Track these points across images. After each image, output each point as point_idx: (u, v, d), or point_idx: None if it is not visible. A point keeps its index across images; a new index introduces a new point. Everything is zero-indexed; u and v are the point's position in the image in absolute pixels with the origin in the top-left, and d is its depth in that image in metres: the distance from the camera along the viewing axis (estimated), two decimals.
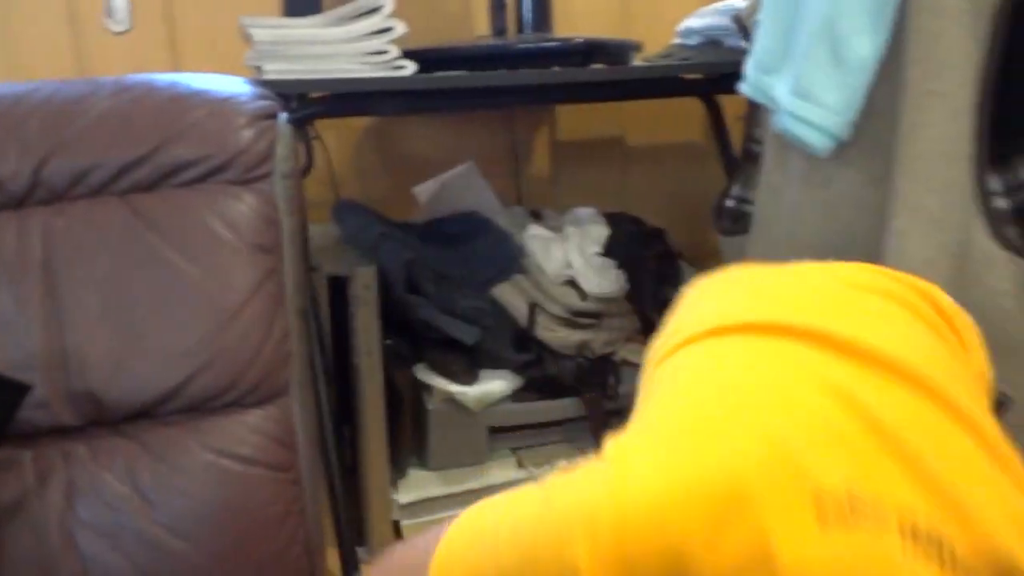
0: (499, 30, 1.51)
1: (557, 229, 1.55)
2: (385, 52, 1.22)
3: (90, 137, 0.81)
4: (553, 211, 1.63)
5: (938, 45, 0.86)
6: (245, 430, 0.78)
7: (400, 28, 1.23)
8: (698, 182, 1.76)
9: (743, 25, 1.17)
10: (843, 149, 0.95)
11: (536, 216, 1.61)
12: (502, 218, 1.57)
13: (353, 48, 1.21)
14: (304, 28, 1.22)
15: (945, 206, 0.88)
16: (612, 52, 1.34)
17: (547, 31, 1.46)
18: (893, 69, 0.90)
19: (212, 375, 0.78)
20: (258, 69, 1.20)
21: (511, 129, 1.70)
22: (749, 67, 1.06)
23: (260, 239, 0.81)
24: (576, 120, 1.72)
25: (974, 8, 0.85)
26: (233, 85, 0.87)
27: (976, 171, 0.88)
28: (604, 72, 1.29)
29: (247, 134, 0.82)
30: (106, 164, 0.81)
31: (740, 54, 1.25)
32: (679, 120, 1.74)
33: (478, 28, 1.63)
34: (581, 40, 1.29)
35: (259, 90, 0.86)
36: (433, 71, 1.26)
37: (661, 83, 1.40)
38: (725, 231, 1.27)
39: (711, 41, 1.40)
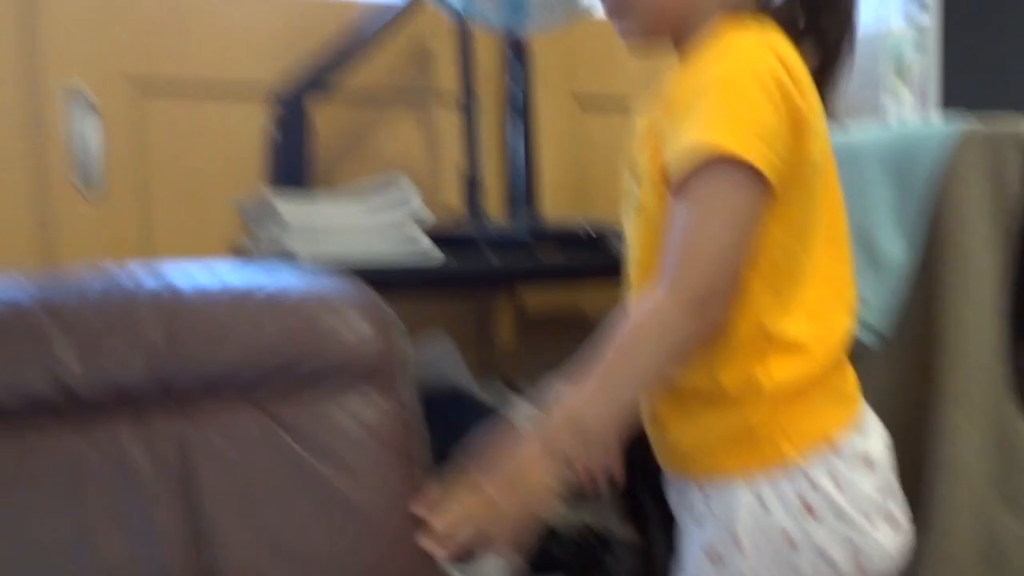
0: (474, 206, 1.57)
1: (536, 402, 1.57)
2: (405, 225, 1.24)
3: (221, 346, 0.78)
4: (527, 383, 1.66)
5: (971, 258, 1.00)
6: None
7: (416, 203, 1.26)
8: None
9: None
10: (882, 344, 1.07)
11: (515, 389, 1.63)
12: (479, 391, 1.58)
13: (376, 226, 1.23)
14: (328, 205, 1.23)
15: (986, 393, 1.00)
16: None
17: (535, 211, 1.53)
18: (929, 273, 1.04)
19: None
20: (286, 248, 1.18)
21: (476, 300, 1.74)
22: None
23: (397, 442, 0.80)
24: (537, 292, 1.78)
25: (998, 228, 1.00)
26: (341, 284, 0.87)
27: (1009, 357, 1.01)
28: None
29: (376, 340, 0.81)
30: (238, 372, 0.78)
31: None
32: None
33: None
34: (592, 228, 1.37)
35: (372, 293, 0.86)
36: (456, 254, 1.29)
37: None
38: None
39: None
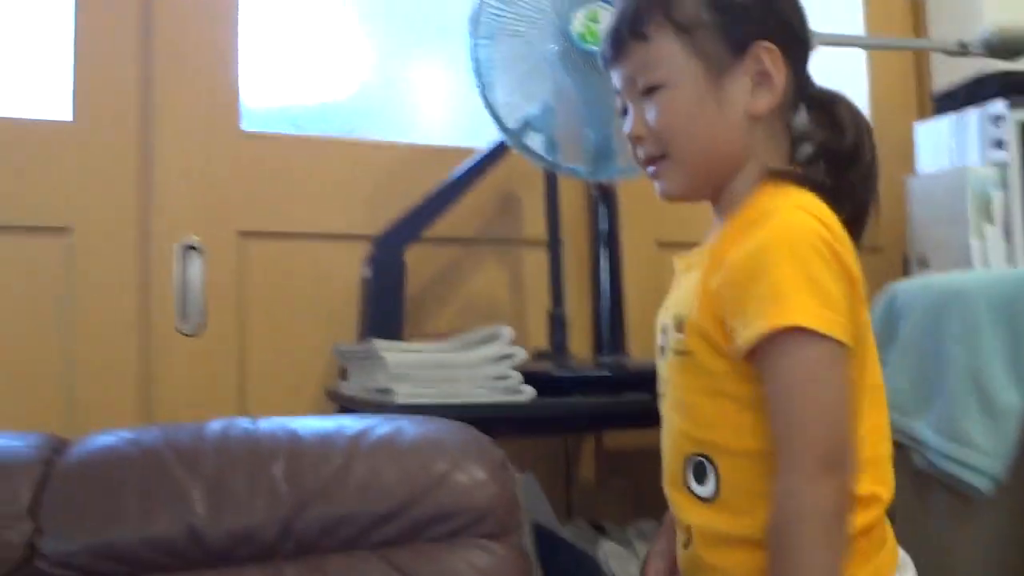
0: (557, 346, 1.59)
1: (626, 543, 1.54)
2: (507, 377, 1.26)
3: (339, 489, 0.79)
4: (611, 524, 1.63)
5: None
6: None
7: (521, 354, 1.28)
8: None
9: None
10: (996, 489, 1.03)
11: (600, 530, 1.60)
12: (566, 532, 1.55)
13: (477, 373, 1.25)
14: (432, 353, 1.25)
15: None
16: None
17: (624, 352, 1.54)
18: None
19: None
20: (387, 392, 1.21)
21: (562, 437, 1.74)
22: None
23: None
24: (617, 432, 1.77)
25: None
26: (454, 428, 0.88)
27: None
28: None
29: (493, 488, 0.82)
30: (357, 518, 0.79)
31: None
32: None
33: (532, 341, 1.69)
34: None
35: (484, 437, 0.87)
36: (545, 395, 1.30)
37: None
38: None
39: None
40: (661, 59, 0.84)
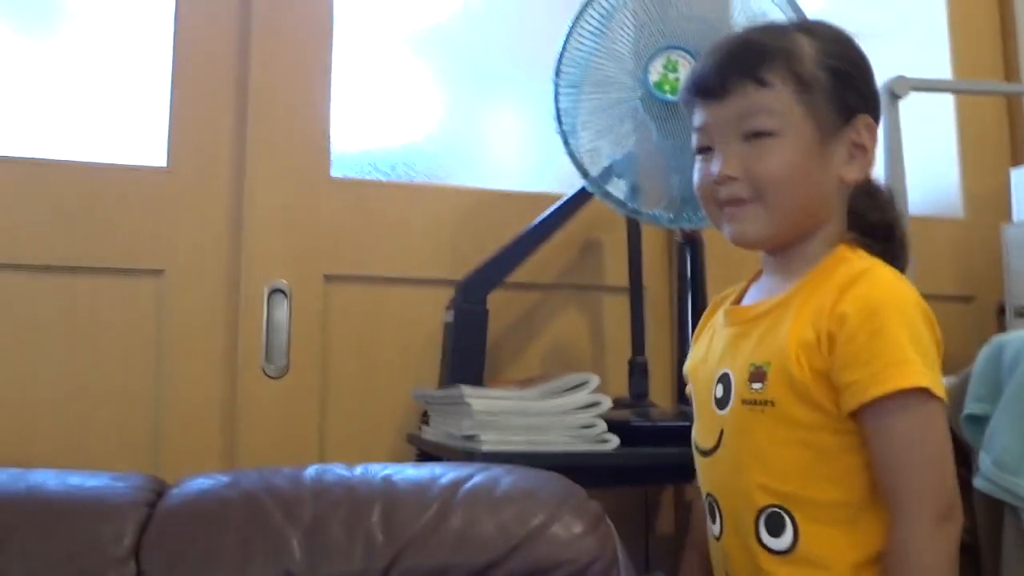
0: (638, 394, 1.56)
1: None
2: (593, 426, 1.24)
3: (435, 538, 0.78)
4: None
5: None
6: None
7: (607, 403, 1.26)
8: None
9: None
10: None
11: None
12: None
13: (564, 421, 1.23)
14: (518, 400, 1.24)
15: None
16: None
17: None
18: None
19: None
20: (472, 438, 1.20)
21: (641, 489, 1.70)
22: (985, 464, 1.10)
23: None
24: None
25: None
26: (548, 479, 0.87)
27: None
28: None
29: (591, 541, 0.80)
30: (453, 569, 0.78)
31: None
32: None
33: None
34: None
35: (580, 489, 0.85)
36: (627, 444, 1.28)
37: None
38: None
39: None
40: (779, 108, 0.85)
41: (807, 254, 0.88)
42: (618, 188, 1.42)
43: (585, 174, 1.39)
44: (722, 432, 0.88)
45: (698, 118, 0.89)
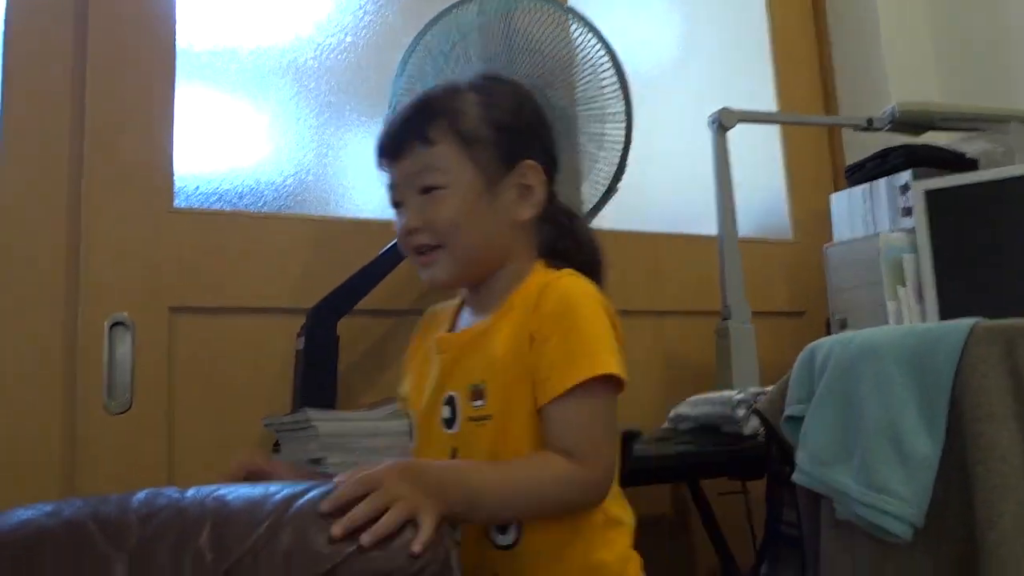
0: None
1: None
2: None
3: (270, 552, 0.79)
4: None
5: (995, 446, 1.02)
6: None
7: None
8: (675, 553, 1.83)
9: (765, 419, 1.32)
10: (915, 536, 1.06)
11: None
12: None
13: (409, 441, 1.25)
14: (364, 422, 1.25)
15: None
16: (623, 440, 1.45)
17: None
18: (955, 464, 1.05)
19: None
20: (319, 461, 1.20)
21: None
22: (803, 460, 1.19)
23: None
24: None
25: (1019, 409, 1.02)
26: None
27: None
28: (644, 460, 1.38)
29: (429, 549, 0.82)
30: None
31: (739, 440, 1.39)
32: (649, 496, 1.84)
33: None
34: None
35: None
36: None
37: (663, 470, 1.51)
38: None
39: (704, 427, 1.54)
40: (442, 163, 0.95)
41: (501, 286, 0.98)
42: None
43: None
44: (455, 450, 0.97)
45: (386, 177, 1.00)
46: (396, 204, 0.99)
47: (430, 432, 1.00)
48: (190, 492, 0.86)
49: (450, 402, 0.97)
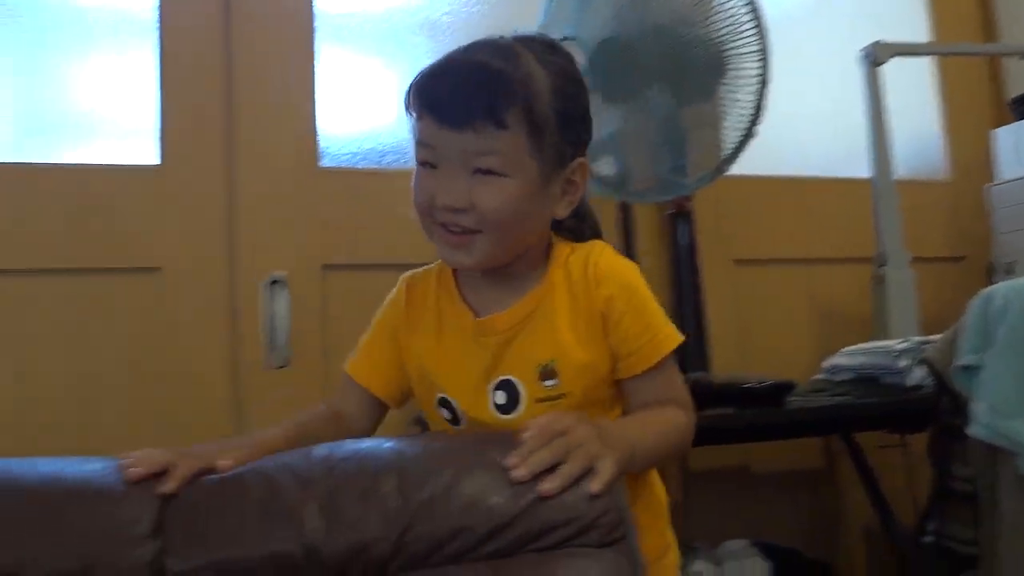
0: None
1: (717, 562, 1.52)
2: None
3: (452, 501, 0.80)
4: (701, 544, 1.60)
5: None
6: None
7: None
8: (825, 508, 1.79)
9: (935, 370, 1.26)
10: None
11: (689, 549, 1.58)
12: None
13: None
14: None
15: None
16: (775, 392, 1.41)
17: (708, 371, 1.53)
18: None
19: None
20: None
21: None
22: (980, 412, 1.13)
23: None
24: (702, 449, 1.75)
25: None
26: None
27: None
28: (795, 413, 1.35)
29: (602, 499, 0.82)
30: (468, 532, 0.79)
31: (901, 392, 1.33)
32: (799, 449, 1.80)
33: None
34: (770, 383, 1.36)
35: None
36: None
37: (819, 422, 1.46)
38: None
39: (861, 378, 1.49)
40: (511, 152, 0.86)
41: (525, 265, 0.95)
42: (608, 166, 1.44)
43: None
44: None
45: (427, 134, 0.88)
46: (426, 164, 0.89)
47: (479, 415, 0.94)
48: (365, 444, 0.89)
49: (504, 386, 0.94)
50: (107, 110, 1.61)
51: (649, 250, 1.70)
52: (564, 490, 0.79)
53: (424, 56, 1.73)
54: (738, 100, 1.57)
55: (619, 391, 0.95)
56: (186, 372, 1.50)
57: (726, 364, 1.69)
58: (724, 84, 1.53)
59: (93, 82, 1.61)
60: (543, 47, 0.93)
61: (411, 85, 0.90)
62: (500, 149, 0.86)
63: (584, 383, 0.92)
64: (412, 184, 0.91)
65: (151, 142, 1.56)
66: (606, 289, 0.92)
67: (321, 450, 0.91)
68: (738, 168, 1.56)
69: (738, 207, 1.80)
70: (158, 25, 1.57)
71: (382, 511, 0.79)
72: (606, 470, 0.80)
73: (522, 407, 0.93)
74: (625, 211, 1.60)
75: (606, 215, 1.61)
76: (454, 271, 0.99)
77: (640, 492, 0.96)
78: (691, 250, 1.53)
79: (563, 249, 0.96)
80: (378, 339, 1.03)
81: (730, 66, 1.54)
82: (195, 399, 1.50)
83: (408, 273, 1.05)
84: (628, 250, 1.59)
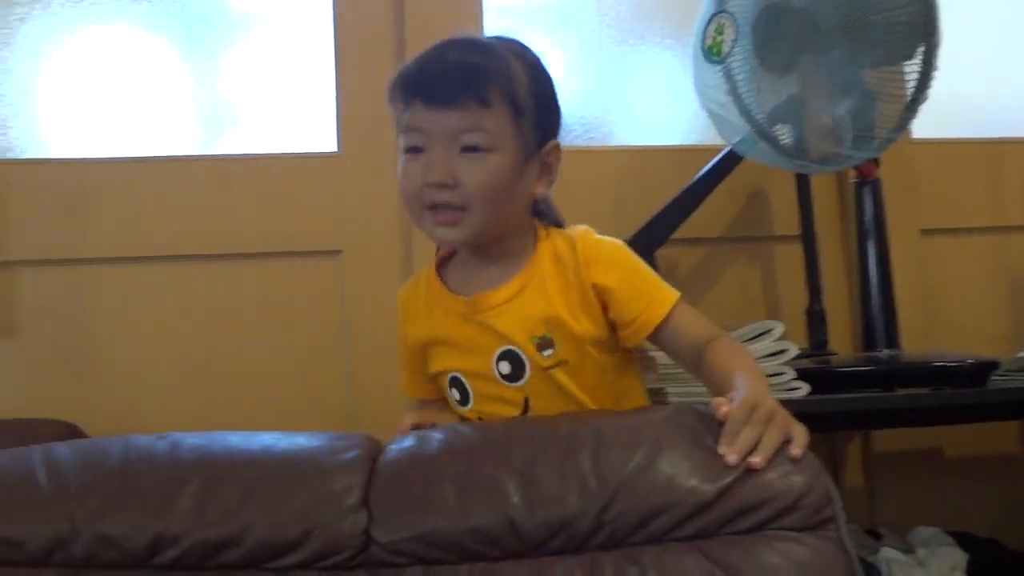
0: (819, 342, 1.52)
1: (907, 550, 1.45)
2: (781, 373, 1.23)
3: (651, 479, 0.80)
4: (887, 531, 1.53)
5: None
6: None
7: (793, 350, 1.24)
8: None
9: None
10: None
11: (875, 536, 1.52)
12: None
13: None
14: None
15: None
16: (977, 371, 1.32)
17: (897, 347, 1.46)
18: None
19: None
20: (659, 392, 1.20)
21: (827, 441, 1.66)
22: None
23: None
24: (889, 432, 1.67)
25: None
26: None
27: None
28: (1000, 393, 1.26)
29: (799, 479, 0.80)
30: (672, 509, 0.79)
31: None
32: (996, 432, 1.68)
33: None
34: (972, 361, 1.28)
35: None
36: (820, 391, 1.25)
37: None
38: None
39: None
40: (495, 128, 0.94)
41: (513, 245, 1.01)
42: (785, 135, 1.38)
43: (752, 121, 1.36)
44: (527, 399, 0.99)
45: (416, 118, 0.95)
46: (414, 149, 0.96)
47: (487, 388, 1.01)
48: (551, 419, 0.90)
49: (507, 356, 0.99)
50: (286, 101, 1.68)
51: (830, 223, 1.63)
52: (768, 461, 0.80)
53: (591, 30, 1.74)
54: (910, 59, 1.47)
55: (629, 357, 1.04)
56: (369, 352, 1.55)
57: (912, 341, 1.60)
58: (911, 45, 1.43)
59: (272, 75, 1.69)
60: (516, 45, 1.01)
61: (396, 78, 0.98)
62: (484, 126, 0.93)
63: (577, 349, 0.98)
64: (399, 176, 0.98)
65: (330, 131, 1.62)
66: (596, 268, 0.98)
67: (506, 424, 0.93)
68: (923, 131, 1.47)
69: (925, 173, 1.69)
70: (332, 19, 1.62)
71: (580, 487, 0.80)
72: (800, 434, 0.83)
73: (527, 376, 0.99)
74: (801, 182, 1.53)
75: (783, 187, 1.57)
76: (438, 269, 1.06)
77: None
78: (878, 221, 1.45)
79: (547, 231, 1.03)
80: (405, 356, 1.11)
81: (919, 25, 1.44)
82: (374, 375, 1.55)
83: (400, 288, 1.13)
84: (807, 221, 1.53)
